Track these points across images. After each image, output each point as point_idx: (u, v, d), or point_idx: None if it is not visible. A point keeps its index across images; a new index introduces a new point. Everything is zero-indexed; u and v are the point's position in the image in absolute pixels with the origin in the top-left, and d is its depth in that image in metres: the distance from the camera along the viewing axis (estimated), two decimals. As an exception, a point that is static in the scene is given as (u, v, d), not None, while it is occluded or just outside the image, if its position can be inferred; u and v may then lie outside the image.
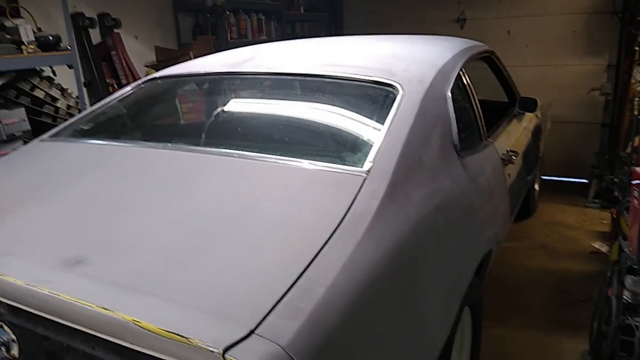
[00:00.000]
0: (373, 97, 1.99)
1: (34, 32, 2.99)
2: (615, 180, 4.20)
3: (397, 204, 1.49)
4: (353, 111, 2.01)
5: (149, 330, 1.00)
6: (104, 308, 1.06)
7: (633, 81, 3.41)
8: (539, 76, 5.14)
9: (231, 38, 4.81)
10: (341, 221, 1.33)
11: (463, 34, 5.28)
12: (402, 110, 1.80)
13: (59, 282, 1.17)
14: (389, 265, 1.34)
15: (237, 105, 2.41)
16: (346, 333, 1.14)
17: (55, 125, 2.52)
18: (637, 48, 3.80)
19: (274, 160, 1.68)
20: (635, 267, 2.08)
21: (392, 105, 1.83)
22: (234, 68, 2.33)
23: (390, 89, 1.92)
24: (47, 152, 2.07)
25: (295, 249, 1.27)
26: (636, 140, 3.00)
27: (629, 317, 2.04)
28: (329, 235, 1.28)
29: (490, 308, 2.36)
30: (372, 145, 1.66)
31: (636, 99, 3.42)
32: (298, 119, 2.16)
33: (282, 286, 1.11)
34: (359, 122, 1.94)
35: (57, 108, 3.14)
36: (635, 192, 2.11)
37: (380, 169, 1.55)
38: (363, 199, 1.43)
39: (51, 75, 3.26)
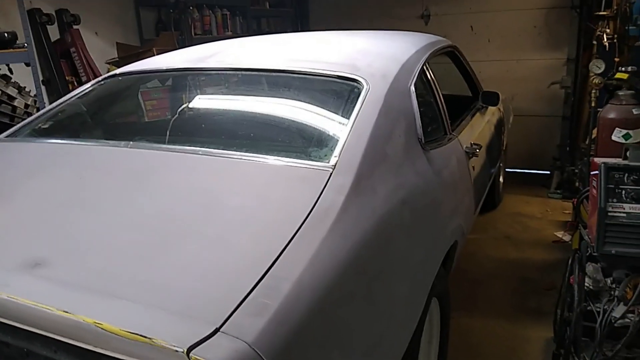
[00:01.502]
0: (338, 92, 1.99)
1: (-13, 28, 2.89)
2: (576, 171, 4.31)
3: (363, 198, 1.49)
4: (318, 106, 2.01)
5: (112, 332, 0.98)
6: (64, 311, 1.03)
7: (591, 74, 3.50)
8: (501, 70, 5.23)
9: (195, 34, 4.74)
10: (307, 216, 1.33)
11: (427, 29, 5.34)
12: (367, 104, 1.81)
13: (18, 285, 1.13)
14: (356, 259, 1.34)
15: (201, 102, 2.38)
16: (313, 328, 1.13)
17: (12, 125, 2.44)
18: (594, 42, 3.90)
19: (240, 157, 1.67)
20: (595, 254, 2.14)
21: (356, 100, 1.84)
22: (198, 64, 2.30)
23: (355, 84, 1.92)
24: (4, 152, 2.01)
25: (261, 244, 1.26)
26: (594, 132, 3.08)
27: (591, 304, 2.10)
28: (295, 230, 1.27)
29: (457, 298, 2.40)
30: (337, 140, 1.67)
31: (594, 91, 3.51)
32: (263, 114, 2.14)
33: (248, 283, 1.10)
34: (324, 117, 1.94)
35: (14, 107, 3.05)
36: (594, 182, 2.17)
37: (346, 163, 1.55)
38: (329, 194, 1.43)
39: (7, 73, 3.16)
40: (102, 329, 0.99)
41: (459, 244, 2.31)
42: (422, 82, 2.32)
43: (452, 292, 2.21)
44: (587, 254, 2.20)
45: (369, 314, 1.38)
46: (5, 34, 2.94)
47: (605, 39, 3.67)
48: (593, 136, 3.17)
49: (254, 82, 2.27)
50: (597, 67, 3.33)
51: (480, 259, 3.55)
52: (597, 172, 2.13)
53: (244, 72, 2.22)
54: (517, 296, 3.07)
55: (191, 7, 4.68)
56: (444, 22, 5.46)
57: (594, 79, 3.34)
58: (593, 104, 3.45)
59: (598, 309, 2.07)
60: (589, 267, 2.17)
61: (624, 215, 2.05)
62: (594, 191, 2.17)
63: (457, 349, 2.45)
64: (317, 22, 6.27)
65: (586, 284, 2.14)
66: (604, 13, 3.78)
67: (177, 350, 0.93)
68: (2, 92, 3.01)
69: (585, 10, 4.57)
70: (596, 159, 2.21)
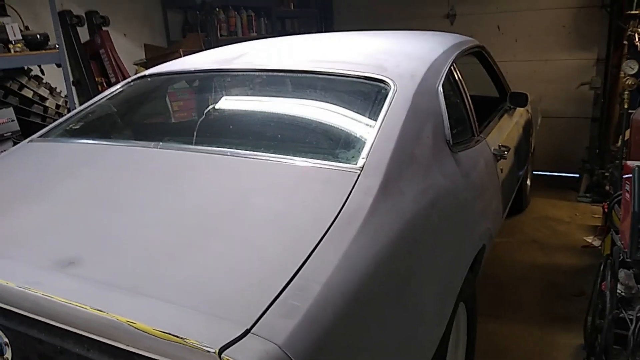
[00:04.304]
0: (365, 92, 1.98)
1: (21, 30, 2.96)
2: (606, 174, 4.22)
3: (391, 200, 1.48)
4: (345, 107, 2.00)
5: (144, 331, 0.99)
6: (97, 309, 1.05)
7: (622, 75, 3.43)
8: (529, 71, 5.15)
9: (221, 35, 4.78)
10: (335, 218, 1.33)
11: (453, 29, 5.28)
12: (394, 105, 1.80)
13: (52, 284, 1.16)
14: (384, 262, 1.33)
15: (228, 103, 2.40)
16: (342, 330, 1.13)
17: (44, 125, 2.49)
18: (625, 42, 3.82)
19: (267, 158, 1.67)
20: (628, 260, 2.09)
21: (384, 101, 1.82)
22: (225, 65, 2.31)
23: (382, 85, 1.91)
24: (37, 152, 2.05)
25: (290, 246, 1.26)
26: (626, 133, 3.01)
27: (623, 311, 2.04)
28: (323, 232, 1.27)
29: (484, 303, 2.36)
30: (365, 142, 1.66)
31: (625, 92, 3.44)
32: (290, 115, 2.14)
33: (278, 284, 1.10)
34: (352, 118, 1.93)
35: (46, 107, 3.11)
36: (627, 185, 2.11)
37: (373, 165, 1.54)
38: (357, 196, 1.42)
39: (39, 74, 3.23)
40: (135, 327, 1.00)
41: (487, 248, 2.28)
42: (449, 82, 2.29)
43: (479, 296, 2.18)
44: (620, 259, 2.15)
45: (397, 317, 1.37)
46: (38, 35, 2.99)
47: (636, 39, 3.60)
48: (625, 138, 3.10)
49: (281, 83, 2.27)
50: (630, 67, 3.26)
51: (507, 263, 3.49)
52: (630, 175, 2.07)
53: (270, 73, 2.22)
54: (545, 301, 3.01)
55: (217, 9, 4.72)
56: (470, 21, 5.40)
57: (626, 79, 3.27)
58: (626, 106, 3.38)
59: (630, 317, 2.01)
60: (621, 274, 2.11)
61: (659, 220, 2.00)
62: (627, 195, 2.11)
63: (484, 353, 2.41)
64: (342, 23, 6.26)
65: (618, 291, 2.09)
66: (636, 12, 3.71)
67: (209, 351, 0.93)
68: (34, 92, 3.07)
69: (615, 9, 4.48)
70: (629, 162, 2.16)
